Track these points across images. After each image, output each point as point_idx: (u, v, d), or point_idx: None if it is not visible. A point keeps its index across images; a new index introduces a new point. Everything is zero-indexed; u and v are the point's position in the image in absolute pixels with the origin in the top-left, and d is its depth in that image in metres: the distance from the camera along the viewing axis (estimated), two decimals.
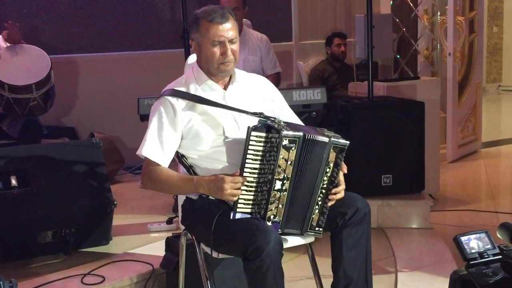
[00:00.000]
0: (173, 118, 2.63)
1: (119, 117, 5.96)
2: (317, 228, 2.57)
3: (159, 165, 2.63)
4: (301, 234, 2.59)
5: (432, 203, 4.41)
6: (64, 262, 3.66)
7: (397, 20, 6.79)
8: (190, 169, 2.68)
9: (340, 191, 2.59)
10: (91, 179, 3.85)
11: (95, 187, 3.86)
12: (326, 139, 2.50)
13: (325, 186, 2.55)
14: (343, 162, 2.57)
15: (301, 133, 2.46)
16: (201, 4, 6.17)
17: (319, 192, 2.54)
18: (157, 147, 2.62)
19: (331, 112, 4.50)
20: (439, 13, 6.78)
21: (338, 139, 2.54)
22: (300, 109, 3.99)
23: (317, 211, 2.55)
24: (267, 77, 4.77)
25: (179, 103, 2.64)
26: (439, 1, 6.87)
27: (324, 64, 6.58)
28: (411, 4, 6.87)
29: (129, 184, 5.55)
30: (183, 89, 2.69)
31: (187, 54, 4.42)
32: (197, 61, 2.74)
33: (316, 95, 4.09)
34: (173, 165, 2.70)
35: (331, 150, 2.52)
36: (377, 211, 4.25)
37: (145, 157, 2.65)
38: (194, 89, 2.69)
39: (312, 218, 2.56)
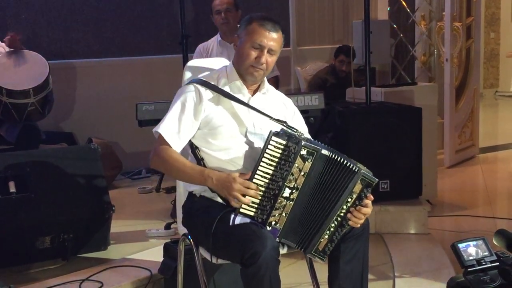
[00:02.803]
0: (197, 106, 2.64)
1: (117, 123, 5.97)
2: (321, 253, 2.54)
3: (171, 147, 2.63)
4: (303, 252, 2.57)
5: (430, 209, 4.42)
6: (63, 268, 3.66)
7: (395, 26, 6.80)
8: (201, 161, 2.68)
9: (365, 212, 2.52)
10: (89, 184, 3.85)
11: (93, 192, 3.86)
12: (356, 168, 2.47)
13: (342, 214, 2.50)
14: (370, 194, 2.52)
15: (320, 148, 2.45)
16: (199, 9, 6.20)
17: (334, 218, 2.50)
18: (174, 129, 2.62)
19: (329, 118, 4.51)
20: (436, 19, 6.80)
21: (369, 173, 2.50)
22: None
23: (327, 236, 2.52)
24: None
25: (207, 93, 2.66)
26: (436, 7, 6.89)
27: (327, 72, 6.52)
28: (408, 10, 6.89)
29: (127, 190, 5.56)
30: (213, 82, 2.72)
31: (185, 60, 4.44)
32: (234, 59, 2.77)
33: (314, 101, 4.10)
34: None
35: (359, 181, 2.48)
36: (374, 217, 4.25)
37: (160, 135, 2.63)
38: (223, 86, 2.71)
39: (320, 242, 2.53)
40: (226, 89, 2.71)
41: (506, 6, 11.44)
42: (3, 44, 4.74)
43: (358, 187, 2.48)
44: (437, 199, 4.99)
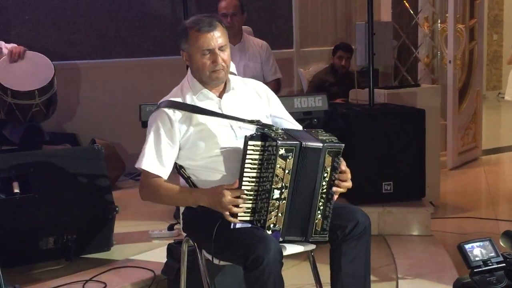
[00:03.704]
0: (170, 130, 2.63)
1: (121, 124, 5.97)
2: (321, 232, 2.56)
3: (159, 177, 2.64)
4: (305, 240, 2.58)
5: (433, 210, 4.42)
6: (66, 268, 3.67)
7: (398, 27, 6.81)
8: (188, 180, 2.69)
9: (346, 179, 2.56)
10: (92, 185, 3.86)
11: (96, 193, 3.87)
12: (320, 145, 2.50)
13: (324, 190, 2.54)
14: (342, 160, 2.56)
15: (297, 142, 2.47)
16: (202, 11, 6.21)
17: (319, 197, 2.53)
18: (155, 160, 2.63)
19: (332, 119, 4.51)
20: (439, 21, 6.79)
21: (332, 142, 2.53)
22: (301, 116, 4.00)
23: (319, 215, 2.55)
24: (268, 83, 4.82)
25: (176, 114, 2.64)
26: (440, 9, 6.89)
27: (326, 72, 6.55)
28: (412, 12, 6.89)
29: (131, 190, 5.54)
30: (179, 99, 2.69)
31: None
32: (191, 71, 2.75)
33: (317, 102, 4.10)
34: (173, 178, 2.71)
35: (326, 154, 2.51)
36: (377, 218, 4.25)
37: (144, 170, 2.65)
38: (190, 99, 2.69)
39: (316, 223, 2.55)
40: (194, 101, 2.68)
41: (509, 8, 11.43)
42: (6, 44, 4.75)
43: (328, 160, 2.52)
44: (440, 201, 4.99)
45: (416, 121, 4.41)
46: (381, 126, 4.36)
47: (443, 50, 6.50)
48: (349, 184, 2.58)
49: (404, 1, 6.86)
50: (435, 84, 6.68)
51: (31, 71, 4.68)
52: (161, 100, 2.73)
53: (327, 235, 2.57)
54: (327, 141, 2.53)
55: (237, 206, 2.44)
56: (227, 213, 2.45)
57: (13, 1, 5.82)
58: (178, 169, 2.72)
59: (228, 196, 2.43)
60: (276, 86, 4.89)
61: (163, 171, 2.64)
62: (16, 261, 3.66)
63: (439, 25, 6.75)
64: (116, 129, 6.04)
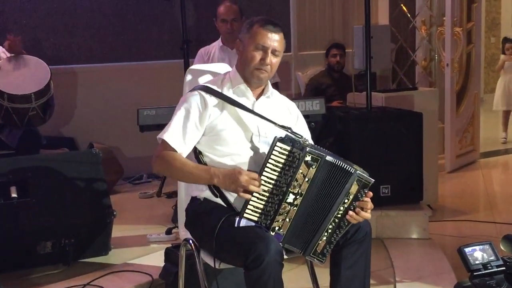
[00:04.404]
0: (202, 112, 2.64)
1: (118, 128, 5.98)
2: (320, 255, 2.55)
3: (177, 151, 2.63)
4: (302, 255, 2.57)
5: (431, 213, 4.42)
6: (64, 273, 3.66)
7: (395, 31, 6.82)
8: (205, 165, 2.67)
9: (366, 207, 2.53)
10: (90, 189, 3.86)
11: (94, 197, 3.87)
12: (352, 170, 2.49)
13: (339, 216, 2.52)
14: (369, 193, 2.54)
15: (325, 155, 2.46)
16: (201, 15, 6.21)
17: (331, 220, 2.51)
18: (180, 135, 2.63)
19: (330, 123, 4.51)
20: (437, 24, 6.81)
21: (364, 173, 2.52)
22: None
23: (324, 238, 2.53)
24: None
25: (211, 99, 2.66)
26: (437, 12, 6.89)
27: (322, 75, 6.58)
28: (409, 15, 6.90)
29: (128, 195, 5.56)
30: (216, 88, 2.72)
31: (187, 65, 4.45)
32: (237, 64, 2.77)
33: (315, 106, 4.10)
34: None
35: (355, 182, 2.49)
36: (375, 222, 4.25)
37: (164, 141, 2.63)
38: (227, 91, 2.71)
39: (318, 244, 2.53)
40: (230, 93, 2.71)
41: (507, 11, 11.46)
42: (3, 49, 4.75)
43: (354, 188, 2.50)
44: (438, 204, 4.99)
45: (414, 124, 4.41)
46: (379, 130, 4.36)
47: (440, 53, 6.51)
48: (367, 216, 2.54)
49: (402, 5, 6.87)
50: (432, 87, 6.68)
51: (28, 74, 4.67)
52: (199, 85, 2.74)
53: (324, 261, 2.57)
54: (359, 170, 2.51)
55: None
56: (243, 189, 2.44)
57: (11, 6, 5.82)
58: (196, 154, 2.71)
59: (245, 176, 2.45)
60: None
61: (183, 148, 2.63)
62: (14, 265, 3.66)
63: (436, 28, 6.76)
64: (114, 133, 6.04)
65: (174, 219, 4.25)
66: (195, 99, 2.66)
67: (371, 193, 2.54)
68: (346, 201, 2.50)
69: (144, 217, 4.76)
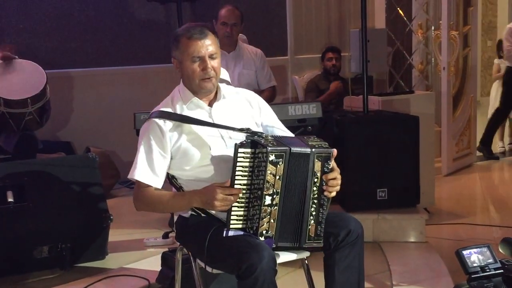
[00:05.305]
0: (161, 140, 2.64)
1: (115, 132, 5.97)
2: (315, 238, 2.55)
3: (151, 186, 2.64)
4: (298, 247, 2.57)
5: (428, 217, 4.42)
6: (61, 277, 3.66)
7: (392, 34, 6.83)
8: (180, 189, 2.70)
9: (335, 177, 2.54)
10: (87, 193, 3.85)
11: (91, 201, 3.86)
12: (308, 150, 2.50)
13: (316, 196, 2.53)
14: (334, 165, 2.55)
15: (287, 148, 2.47)
16: (197, 19, 6.20)
17: (311, 203, 2.53)
18: (147, 169, 2.63)
19: (326, 127, 4.51)
20: (433, 28, 6.82)
21: (322, 147, 2.53)
22: (295, 124, 4.01)
23: (312, 221, 2.54)
24: (262, 91, 4.83)
25: (166, 124, 2.65)
26: (433, 15, 6.91)
27: (319, 78, 6.59)
28: (406, 19, 6.92)
29: (125, 199, 5.54)
30: (169, 109, 2.70)
31: None
32: (182, 80, 2.76)
33: (312, 110, 4.11)
34: (167, 188, 2.71)
35: (316, 160, 2.51)
36: (372, 225, 4.25)
37: (136, 180, 2.65)
38: (180, 108, 2.70)
39: (309, 229, 2.54)
40: (184, 111, 2.69)
41: (503, 14, 11.46)
42: None
43: (318, 165, 2.52)
44: (434, 207, 4.99)
45: (410, 127, 4.41)
46: (376, 133, 4.36)
47: (437, 57, 6.52)
48: (338, 182, 2.55)
49: (398, 8, 6.89)
50: (429, 90, 6.70)
51: (24, 79, 4.67)
52: (151, 111, 2.74)
53: (321, 241, 2.56)
54: (316, 146, 2.53)
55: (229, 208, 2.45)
56: (223, 206, 2.45)
57: (7, 10, 5.82)
58: (170, 179, 2.72)
59: (220, 194, 2.44)
60: (271, 94, 4.90)
61: (156, 180, 2.64)
62: (10, 270, 3.65)
63: (433, 32, 6.77)
64: (110, 137, 6.04)
65: (171, 223, 4.24)
66: (151, 129, 2.66)
67: (335, 152, 2.53)
68: (315, 180, 2.52)
69: (140, 222, 4.75)
